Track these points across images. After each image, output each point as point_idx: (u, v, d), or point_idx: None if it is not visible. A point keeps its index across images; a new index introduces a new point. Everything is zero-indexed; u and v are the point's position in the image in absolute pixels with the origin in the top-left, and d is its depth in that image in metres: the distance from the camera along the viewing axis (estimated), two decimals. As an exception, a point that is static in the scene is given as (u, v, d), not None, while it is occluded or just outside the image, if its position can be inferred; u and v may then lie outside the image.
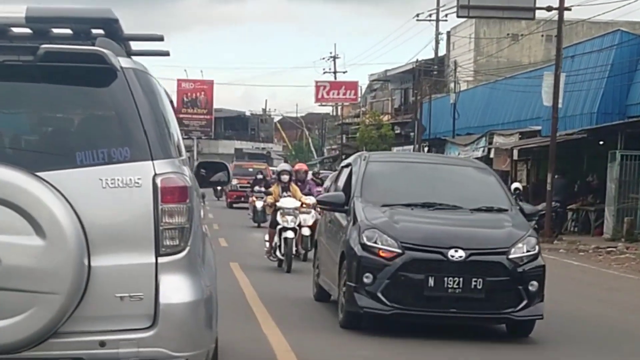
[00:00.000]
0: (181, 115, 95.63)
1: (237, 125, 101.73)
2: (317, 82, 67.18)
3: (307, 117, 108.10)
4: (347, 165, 10.93)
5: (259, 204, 22.47)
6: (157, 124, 4.49)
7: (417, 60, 49.31)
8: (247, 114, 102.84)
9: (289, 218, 14.09)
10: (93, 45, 4.49)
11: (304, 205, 14.41)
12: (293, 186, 14.83)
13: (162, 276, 4.34)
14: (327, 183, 17.49)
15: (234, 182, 30.78)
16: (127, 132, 4.39)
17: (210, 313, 4.66)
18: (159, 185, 4.35)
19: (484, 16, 33.00)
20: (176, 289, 4.36)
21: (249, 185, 28.67)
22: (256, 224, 24.35)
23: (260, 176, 27.62)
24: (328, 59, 71.73)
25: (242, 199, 33.28)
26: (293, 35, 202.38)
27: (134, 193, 4.33)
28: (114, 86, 4.41)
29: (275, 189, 14.81)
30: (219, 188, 33.28)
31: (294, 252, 14.02)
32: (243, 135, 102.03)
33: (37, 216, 4.15)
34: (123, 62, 4.50)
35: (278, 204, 14.28)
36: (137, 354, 4.29)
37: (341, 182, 10.83)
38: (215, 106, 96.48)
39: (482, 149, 34.81)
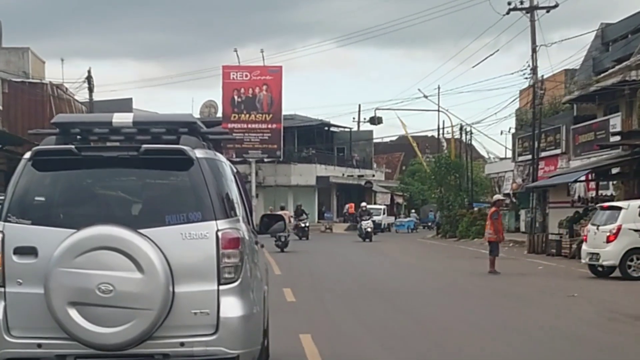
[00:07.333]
0: (230, 125, 59.93)
1: (317, 141, 65.64)
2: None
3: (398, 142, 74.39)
4: None
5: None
6: (219, 196, 6.89)
7: None
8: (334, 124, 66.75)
9: None
10: (179, 138, 7.05)
11: None
12: None
13: (222, 298, 6.72)
14: None
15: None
16: (200, 201, 6.79)
17: (257, 324, 7.19)
18: (220, 237, 6.74)
19: None
20: (231, 307, 6.73)
21: None
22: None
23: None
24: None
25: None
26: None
27: (203, 242, 6.72)
28: (191, 170, 6.82)
29: None
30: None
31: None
32: (328, 158, 66.11)
33: (139, 259, 6.52)
34: (198, 153, 6.90)
35: None
36: (205, 351, 6.67)
37: None
38: (284, 111, 60.84)
39: None
